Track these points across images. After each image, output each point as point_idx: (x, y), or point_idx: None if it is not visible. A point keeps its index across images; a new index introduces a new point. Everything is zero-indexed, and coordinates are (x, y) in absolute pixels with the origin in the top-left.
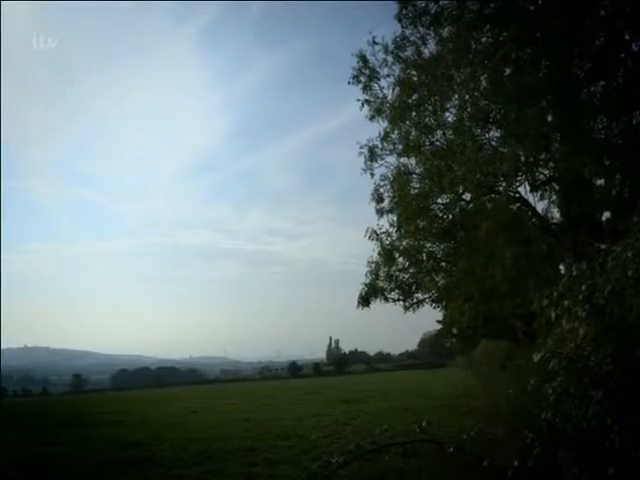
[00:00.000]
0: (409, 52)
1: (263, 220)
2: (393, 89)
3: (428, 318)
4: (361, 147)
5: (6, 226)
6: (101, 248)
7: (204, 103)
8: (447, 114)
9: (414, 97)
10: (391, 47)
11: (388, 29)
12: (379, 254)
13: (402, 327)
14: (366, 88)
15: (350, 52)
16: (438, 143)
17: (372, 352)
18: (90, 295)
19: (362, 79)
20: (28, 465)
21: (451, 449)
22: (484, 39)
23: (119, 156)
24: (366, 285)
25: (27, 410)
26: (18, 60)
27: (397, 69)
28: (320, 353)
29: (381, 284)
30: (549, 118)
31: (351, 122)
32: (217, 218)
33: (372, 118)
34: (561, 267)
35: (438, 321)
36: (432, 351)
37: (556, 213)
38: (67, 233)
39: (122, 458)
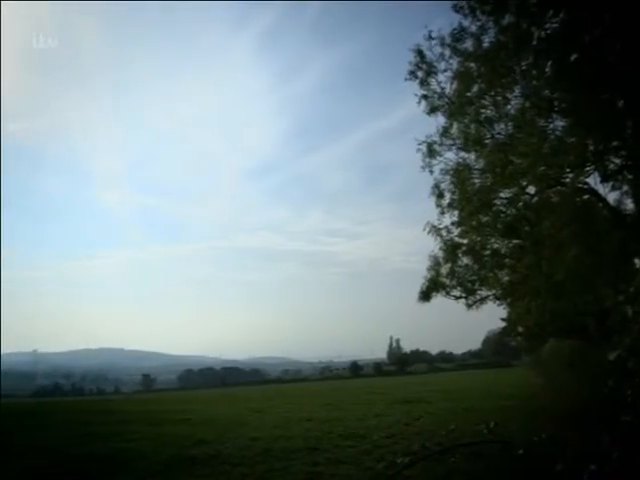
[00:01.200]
0: (468, 44)
1: (322, 221)
2: (451, 83)
3: (492, 316)
4: (419, 143)
5: (81, 234)
6: (168, 253)
7: (263, 106)
8: (509, 106)
9: (473, 90)
10: (448, 40)
11: (444, 23)
12: (440, 249)
13: (465, 326)
14: (423, 83)
15: (406, 48)
16: (500, 136)
17: (434, 351)
18: (158, 298)
19: (419, 74)
20: (104, 459)
21: (520, 452)
22: (547, 25)
23: (183, 162)
24: (427, 280)
25: (102, 408)
26: (89, 75)
27: (455, 62)
28: (381, 353)
29: (443, 280)
30: (620, 103)
31: (408, 119)
32: (277, 220)
33: (430, 113)
34: (636, 261)
35: (502, 319)
36: (496, 350)
37: (630, 204)
38: (136, 239)
39: (189, 455)
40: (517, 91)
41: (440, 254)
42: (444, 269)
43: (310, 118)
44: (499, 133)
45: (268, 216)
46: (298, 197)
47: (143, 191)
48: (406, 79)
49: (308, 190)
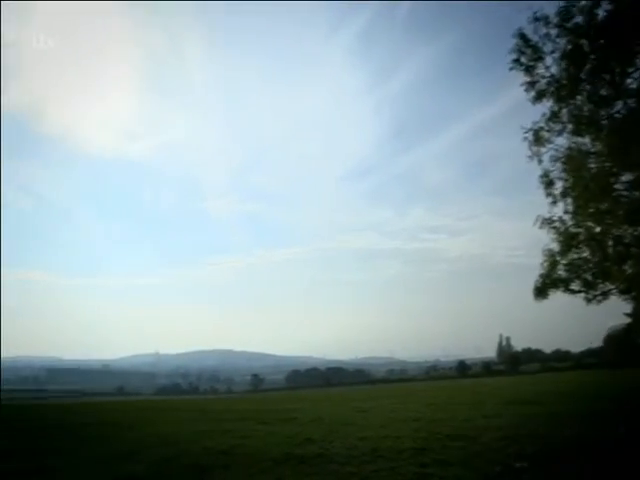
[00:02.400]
0: (578, 19)
1: (423, 218)
2: (559, 64)
3: (615, 311)
4: (525, 132)
5: (192, 243)
6: (272, 257)
7: (360, 107)
8: (629, 80)
9: (586, 68)
10: (555, 20)
11: (543, 4)
12: (556, 242)
13: (583, 322)
14: (529, 69)
15: (499, 38)
16: (618, 115)
17: (548, 350)
18: (266, 301)
19: (523, 60)
20: (218, 454)
21: None
22: None
23: (286, 167)
24: (542, 276)
25: (216, 406)
26: (196, 90)
27: (563, 42)
28: (490, 351)
29: (560, 274)
30: None
31: (510, 108)
32: (378, 220)
33: (537, 100)
34: None
35: (627, 314)
36: (619, 348)
37: None
38: (242, 245)
39: (297, 453)
40: (638, 63)
41: (555, 247)
42: (560, 262)
43: (408, 116)
44: (618, 112)
45: (369, 216)
46: (399, 196)
47: (249, 198)
48: (510, 68)
49: (408, 188)
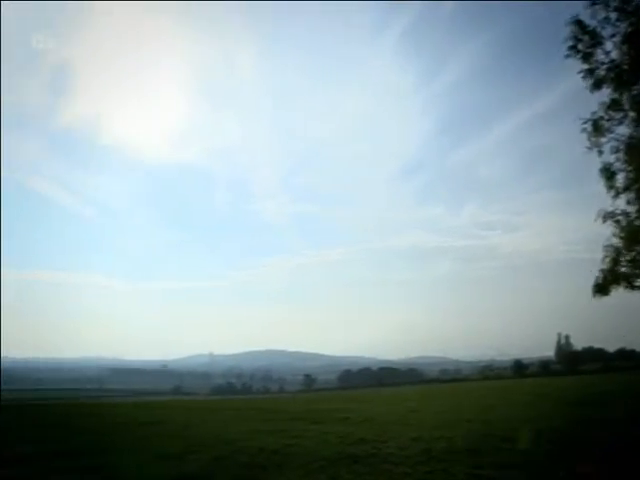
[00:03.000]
0: None
1: (476, 214)
2: (620, 48)
3: None
4: (583, 122)
5: (242, 245)
6: (322, 257)
7: (407, 106)
8: None
9: None
10: (615, 3)
11: None
12: (619, 237)
13: None
14: (586, 56)
15: (550, 28)
16: None
17: (612, 349)
18: (317, 301)
19: (580, 47)
20: (272, 453)
21: None
22: None
23: (334, 168)
24: (603, 272)
25: (269, 405)
26: (247, 94)
27: (623, 26)
28: (548, 351)
29: (622, 270)
30: None
31: (564, 99)
32: (429, 217)
33: (595, 87)
34: None
35: None
36: None
37: None
38: (293, 246)
39: (351, 453)
40: None
41: (617, 242)
42: (623, 258)
43: (456, 111)
44: None
45: (419, 214)
46: (450, 192)
47: (299, 199)
48: (566, 56)
49: (459, 184)
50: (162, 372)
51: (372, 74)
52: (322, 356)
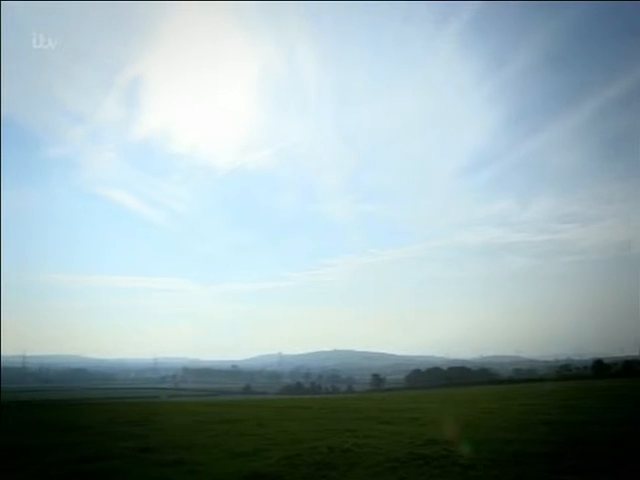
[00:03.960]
0: None
1: (550, 207)
2: None
3: None
4: None
5: (308, 246)
6: (388, 256)
7: (470, 99)
8: None
9: None
10: None
11: None
12: None
13: None
14: None
15: (623, 10)
16: None
17: None
18: (384, 301)
19: None
20: (343, 452)
21: None
22: None
23: (397, 166)
24: None
25: (337, 405)
26: (308, 94)
27: None
28: (633, 350)
29: None
30: None
31: None
32: (499, 212)
33: None
34: None
35: None
36: None
37: None
38: (357, 245)
39: (421, 454)
40: None
41: None
42: None
43: (526, 101)
44: None
45: (487, 209)
46: (520, 185)
47: (362, 198)
48: None
49: (532, 176)
50: (232, 372)
51: (435, 67)
52: (390, 356)
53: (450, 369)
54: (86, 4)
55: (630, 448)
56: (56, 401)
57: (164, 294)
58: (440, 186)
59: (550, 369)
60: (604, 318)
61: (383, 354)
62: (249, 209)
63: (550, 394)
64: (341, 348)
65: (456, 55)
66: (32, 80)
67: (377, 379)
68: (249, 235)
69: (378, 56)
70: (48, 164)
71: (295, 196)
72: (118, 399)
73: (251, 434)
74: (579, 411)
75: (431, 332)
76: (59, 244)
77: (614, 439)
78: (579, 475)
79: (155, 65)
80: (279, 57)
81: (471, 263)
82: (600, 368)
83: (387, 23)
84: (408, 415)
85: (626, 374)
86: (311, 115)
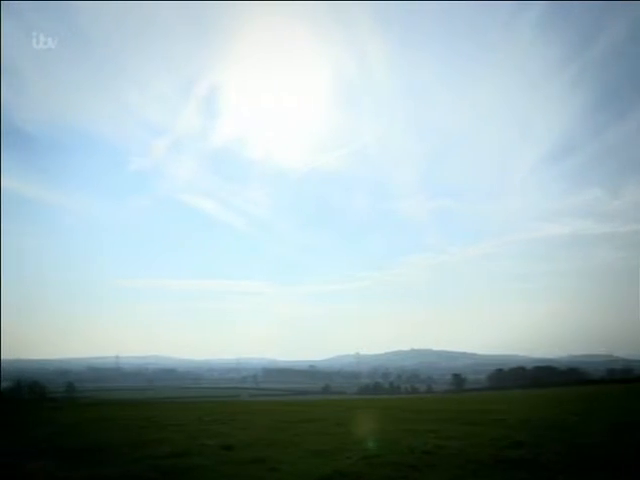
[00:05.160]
0: None
1: None
2: None
3: None
4: None
5: (384, 245)
6: (467, 252)
7: (552, 85)
8: None
9: None
10: None
11: None
12: None
13: None
14: None
15: None
16: None
17: None
18: (462, 298)
19: None
20: (424, 453)
21: None
22: None
23: (473, 159)
24: None
25: (417, 406)
26: (380, 93)
27: None
28: None
29: None
30: None
31: None
32: (586, 202)
33: None
34: None
35: None
36: None
37: None
38: (434, 242)
39: (506, 457)
40: None
41: None
42: None
43: (615, 82)
44: None
45: (574, 199)
46: (609, 173)
47: (438, 194)
48: None
49: (621, 163)
50: (310, 372)
51: (513, 54)
52: (471, 355)
53: (536, 369)
54: (160, 16)
55: None
56: (148, 399)
57: (245, 297)
58: (521, 177)
59: None
60: None
61: (463, 353)
62: (324, 210)
63: None
64: (419, 347)
65: (536, 40)
66: (114, 95)
67: (458, 379)
68: (325, 236)
69: (449, 49)
70: (134, 176)
71: (369, 195)
72: (204, 398)
73: (331, 433)
74: None
75: (514, 330)
76: (147, 251)
77: None
78: None
79: (230, 72)
80: (349, 57)
81: (558, 256)
82: None
83: (459, 13)
84: (491, 416)
85: None
86: (382, 113)
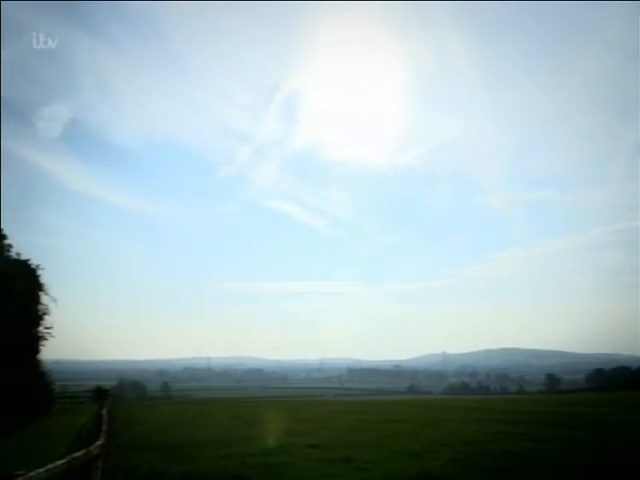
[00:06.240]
0: None
1: None
2: None
3: None
4: None
5: (469, 241)
6: (560, 245)
7: None
8: None
9: None
10: None
11: None
12: None
13: None
14: None
15: None
16: None
17: None
18: (554, 294)
19: None
20: (516, 456)
21: None
22: None
23: (562, 150)
24: None
25: (507, 407)
26: (462, 87)
27: None
28: None
29: None
30: None
31: None
32: None
33: None
34: None
35: None
36: None
37: None
38: (523, 236)
39: (605, 464)
40: None
41: None
42: None
43: None
44: None
45: None
46: None
47: (526, 187)
48: None
49: None
50: (395, 372)
51: (604, 34)
52: (566, 353)
53: None
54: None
55: None
56: (236, 398)
57: (329, 297)
58: (619, 164)
59: None
60: None
61: (556, 352)
62: (406, 209)
63: None
64: (508, 346)
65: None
66: (201, 106)
67: (552, 379)
68: (407, 234)
69: (529, 41)
70: (221, 183)
71: (453, 191)
72: (290, 397)
73: (418, 434)
74: None
75: (615, 327)
76: (234, 255)
77: None
78: None
79: (309, 75)
80: (427, 53)
81: None
82: None
83: (537, 8)
84: (589, 419)
85: None
86: (463, 108)
